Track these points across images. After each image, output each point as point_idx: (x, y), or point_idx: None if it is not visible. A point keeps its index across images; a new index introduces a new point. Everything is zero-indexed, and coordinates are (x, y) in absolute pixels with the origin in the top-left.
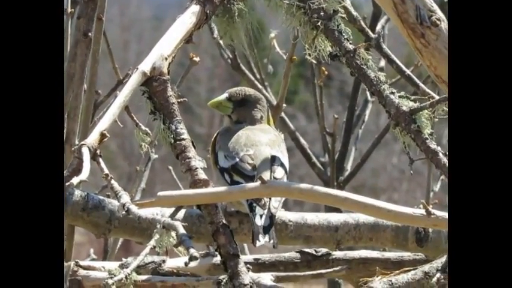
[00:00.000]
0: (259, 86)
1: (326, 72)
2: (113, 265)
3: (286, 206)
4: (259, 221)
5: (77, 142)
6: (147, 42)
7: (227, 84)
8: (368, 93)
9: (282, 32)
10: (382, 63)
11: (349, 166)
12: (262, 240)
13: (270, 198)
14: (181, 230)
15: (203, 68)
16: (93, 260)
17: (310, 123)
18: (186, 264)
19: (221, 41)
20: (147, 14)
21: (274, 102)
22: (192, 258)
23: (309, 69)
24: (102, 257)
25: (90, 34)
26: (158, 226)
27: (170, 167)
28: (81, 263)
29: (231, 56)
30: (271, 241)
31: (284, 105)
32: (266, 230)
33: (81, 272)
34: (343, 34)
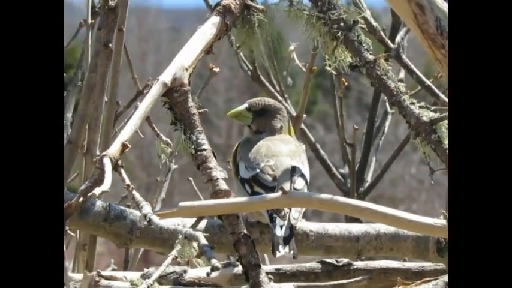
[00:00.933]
0: (279, 98)
1: (346, 83)
2: (134, 275)
3: (305, 217)
4: (279, 232)
5: (97, 153)
6: (165, 53)
7: (245, 95)
8: (388, 105)
9: (300, 44)
10: (402, 74)
11: (369, 177)
12: (282, 251)
13: (290, 209)
14: (203, 241)
15: (221, 78)
16: (113, 270)
17: (329, 134)
18: (207, 274)
19: (240, 52)
20: (164, 25)
21: (294, 113)
22: (213, 268)
23: (327, 80)
24: (123, 267)
25: (110, 45)
26: (180, 236)
27: (190, 178)
28: (103, 273)
29: (250, 67)
30: (291, 252)
31: (304, 115)
32: (286, 240)
33: (103, 282)
34: (363, 45)
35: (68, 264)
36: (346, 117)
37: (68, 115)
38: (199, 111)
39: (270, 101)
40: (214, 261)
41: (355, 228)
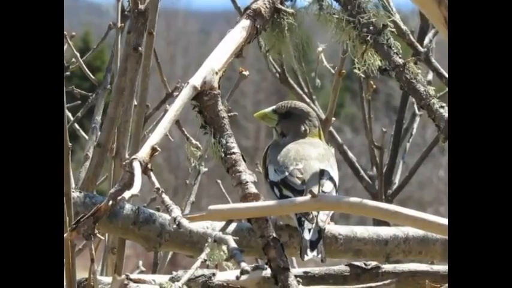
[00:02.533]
0: (307, 100)
1: (374, 86)
2: (163, 278)
3: (332, 219)
4: (307, 235)
5: (127, 156)
6: (194, 55)
7: (273, 98)
8: (416, 107)
9: (329, 46)
10: (430, 76)
11: (397, 179)
12: (310, 254)
13: (318, 212)
14: (233, 244)
15: (249, 81)
16: (142, 272)
17: (357, 136)
18: (237, 278)
19: (269, 55)
20: (193, 28)
21: (322, 116)
22: (243, 271)
23: (355, 82)
24: (152, 270)
25: (140, 48)
26: (209, 240)
27: (219, 181)
28: (131, 276)
29: (278, 70)
30: (320, 255)
31: (333, 118)
32: (314, 244)
33: (132, 285)
34: (393, 48)
35: (97, 267)
36: (374, 120)
37: (98, 118)
38: (229, 114)
39: (298, 104)
40: (243, 264)
41: (384, 232)
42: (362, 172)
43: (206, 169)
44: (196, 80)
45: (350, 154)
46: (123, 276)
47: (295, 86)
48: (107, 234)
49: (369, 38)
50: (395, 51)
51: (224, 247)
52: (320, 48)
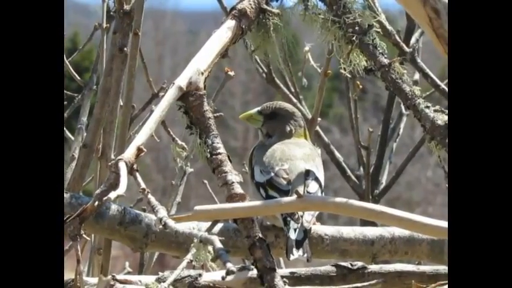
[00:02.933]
0: (294, 100)
1: (361, 86)
2: (149, 279)
3: (321, 220)
4: (293, 235)
5: (112, 156)
6: (182, 56)
7: (261, 98)
8: (403, 107)
9: (316, 46)
10: (416, 76)
11: (384, 179)
12: (296, 254)
13: (303, 213)
14: (218, 244)
15: (238, 82)
16: (128, 273)
17: (345, 137)
18: (223, 278)
19: (255, 55)
20: (181, 28)
21: (309, 116)
22: (229, 272)
23: (343, 83)
24: (138, 270)
25: (125, 49)
26: (195, 240)
27: (205, 181)
28: (118, 276)
29: (265, 70)
30: (305, 255)
31: (319, 118)
32: (299, 243)
33: (118, 286)
34: (378, 48)
35: (83, 267)
36: (363, 120)
37: (83, 119)
38: (215, 115)
39: (283, 105)
40: (229, 265)
41: (370, 232)
42: (349, 172)
43: (192, 170)
44: (181, 81)
45: (337, 154)
46: (109, 276)
47: (281, 86)
48: (93, 235)
49: (354, 38)
50: (380, 51)
51: (210, 247)
52: (307, 48)
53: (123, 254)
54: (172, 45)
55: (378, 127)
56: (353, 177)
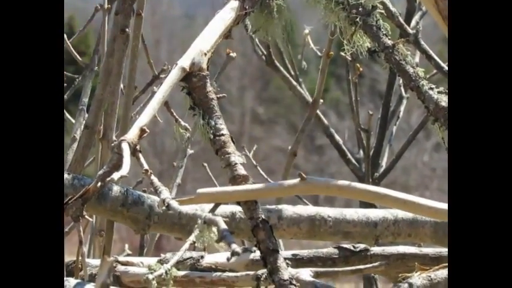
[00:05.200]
0: (294, 83)
1: (361, 69)
2: (151, 261)
3: (317, 203)
4: None
5: (114, 138)
6: (179, 40)
7: (258, 82)
8: (403, 89)
9: (314, 30)
10: (417, 59)
11: (384, 162)
12: None
13: None
14: (223, 225)
15: (234, 66)
16: (127, 255)
17: (342, 121)
18: (228, 259)
19: (255, 38)
20: (178, 12)
21: (309, 99)
22: (234, 253)
23: (340, 67)
24: (138, 253)
25: (127, 30)
26: (199, 221)
27: (205, 164)
28: (119, 258)
29: (265, 52)
30: None
31: (321, 100)
32: None
33: (120, 267)
34: (382, 30)
35: (85, 249)
36: (360, 105)
37: (85, 100)
38: (218, 96)
39: None
40: (234, 246)
41: (373, 214)
42: (349, 155)
43: (192, 151)
44: (184, 61)
45: (337, 137)
46: (113, 258)
47: (281, 68)
48: (94, 217)
49: (358, 19)
50: (384, 32)
51: (214, 229)
52: (307, 31)
53: (119, 238)
54: (168, 30)
55: (375, 112)
56: (353, 160)
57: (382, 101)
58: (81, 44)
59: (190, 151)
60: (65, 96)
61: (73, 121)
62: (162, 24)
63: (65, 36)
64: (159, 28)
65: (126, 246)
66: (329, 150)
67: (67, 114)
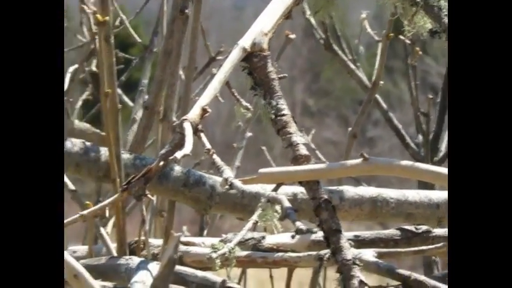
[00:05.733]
0: (352, 66)
1: (420, 52)
2: (212, 241)
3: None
4: None
5: (174, 119)
6: (227, 32)
7: (307, 75)
8: None
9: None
10: None
11: (443, 147)
12: None
13: None
14: (287, 203)
15: (284, 57)
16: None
17: (393, 113)
18: (292, 237)
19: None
20: (227, 4)
21: (367, 83)
22: (298, 231)
23: (390, 59)
24: (198, 234)
25: (186, 11)
26: (262, 200)
27: (264, 148)
28: (181, 238)
29: (323, 36)
30: None
31: (381, 82)
32: None
33: (181, 247)
34: (443, 10)
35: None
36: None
37: (145, 81)
38: (279, 76)
39: None
40: (298, 223)
41: (435, 195)
42: (408, 139)
43: (251, 134)
44: (245, 42)
45: (395, 121)
46: (181, 233)
47: (339, 52)
48: (155, 197)
49: (419, 0)
50: (445, 13)
51: (277, 207)
52: (364, 15)
53: (176, 221)
54: (217, 22)
55: (424, 103)
56: (412, 145)
57: (432, 93)
58: (130, 36)
59: (249, 134)
60: (123, 77)
61: (130, 103)
62: (211, 15)
63: (125, 18)
64: (208, 19)
65: (185, 228)
66: (380, 142)
67: (124, 96)
